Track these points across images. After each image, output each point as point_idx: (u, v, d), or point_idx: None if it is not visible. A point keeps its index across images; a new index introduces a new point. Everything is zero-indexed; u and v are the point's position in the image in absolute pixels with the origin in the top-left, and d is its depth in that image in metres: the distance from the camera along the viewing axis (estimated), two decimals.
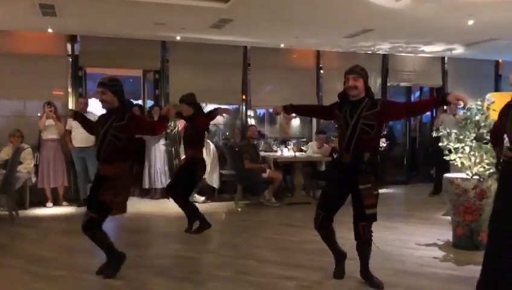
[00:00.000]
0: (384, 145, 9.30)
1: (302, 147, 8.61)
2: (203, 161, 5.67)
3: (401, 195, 9.24)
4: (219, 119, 10.37)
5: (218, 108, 5.79)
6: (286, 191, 8.19)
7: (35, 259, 4.58)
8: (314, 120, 9.85)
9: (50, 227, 6.24)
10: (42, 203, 7.29)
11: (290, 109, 4.27)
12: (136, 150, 8.19)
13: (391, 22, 7.12)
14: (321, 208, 3.81)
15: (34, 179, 7.22)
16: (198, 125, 5.53)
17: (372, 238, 3.78)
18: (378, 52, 9.80)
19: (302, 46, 9.28)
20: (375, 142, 3.76)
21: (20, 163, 6.81)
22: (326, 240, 3.93)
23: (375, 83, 10.07)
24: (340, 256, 4.01)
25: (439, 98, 3.62)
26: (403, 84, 10.49)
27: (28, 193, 7.14)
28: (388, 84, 10.21)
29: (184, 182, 5.55)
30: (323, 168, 8.21)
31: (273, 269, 4.26)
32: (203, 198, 7.82)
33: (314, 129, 9.68)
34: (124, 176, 3.89)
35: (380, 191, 9.65)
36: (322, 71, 9.75)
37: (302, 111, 4.83)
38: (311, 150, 8.45)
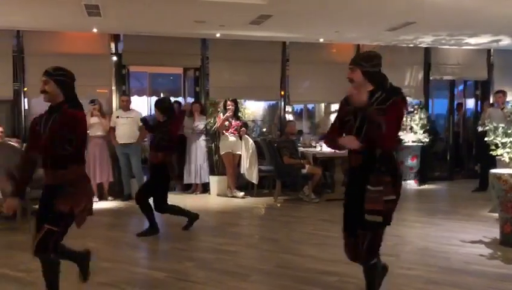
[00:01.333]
0: (427, 140, 9.10)
1: None
2: (172, 164, 5.61)
3: (445, 191, 9.02)
4: (257, 115, 10.47)
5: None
6: (325, 187, 8.14)
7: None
8: None
9: (96, 220, 6.42)
10: None
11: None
12: (178, 145, 8.35)
13: (434, 14, 6.93)
14: (346, 229, 3.15)
15: None
16: (171, 132, 5.49)
17: (378, 261, 3.17)
18: (420, 45, 9.57)
19: (342, 40, 9.18)
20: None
21: None
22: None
23: (416, 77, 9.86)
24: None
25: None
26: (446, 77, 10.19)
27: None
28: (431, 78, 9.96)
29: (156, 188, 5.45)
30: None
31: (314, 264, 4.26)
32: (242, 193, 7.90)
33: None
34: (81, 180, 3.20)
35: (423, 187, 9.44)
36: None
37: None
38: None
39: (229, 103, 7.90)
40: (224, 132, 7.88)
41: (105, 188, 7.67)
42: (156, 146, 5.46)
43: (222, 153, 7.95)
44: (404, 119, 9.21)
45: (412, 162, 9.09)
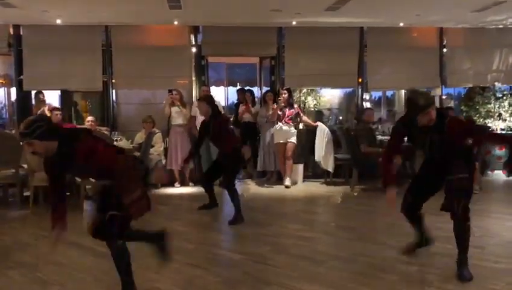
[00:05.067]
0: None
1: None
2: (238, 149, 5.68)
3: None
4: (333, 103, 10.36)
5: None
6: (405, 177, 7.88)
7: (171, 233, 5.02)
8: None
9: (180, 204, 6.81)
10: (171, 183, 7.93)
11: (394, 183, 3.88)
12: (249, 133, 8.47)
13: None
14: (409, 192, 3.85)
15: (163, 161, 7.88)
16: (222, 123, 5.62)
17: (469, 222, 3.56)
18: (511, 26, 8.92)
19: (424, 23, 8.78)
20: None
21: (152, 146, 7.48)
22: (413, 225, 3.94)
23: (506, 60, 9.22)
24: (420, 240, 3.95)
25: None
26: None
27: None
28: None
29: (230, 170, 5.58)
30: None
31: (392, 253, 4.18)
32: (289, 183, 7.76)
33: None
34: (122, 172, 3.13)
35: None
36: (445, 50, 9.16)
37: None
38: None
39: (281, 91, 7.87)
40: (277, 121, 7.82)
41: (186, 174, 8.00)
42: (218, 140, 5.66)
43: (275, 142, 7.93)
44: (492, 105, 8.71)
45: (500, 151, 8.54)
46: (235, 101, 9.78)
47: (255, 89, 9.97)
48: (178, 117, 7.85)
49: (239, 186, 7.88)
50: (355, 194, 7.30)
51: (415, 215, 3.88)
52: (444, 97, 9.44)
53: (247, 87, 9.40)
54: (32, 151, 3.05)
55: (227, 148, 5.57)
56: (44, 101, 8.13)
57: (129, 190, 3.09)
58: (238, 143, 5.82)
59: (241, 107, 8.41)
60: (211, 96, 6.12)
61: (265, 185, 7.93)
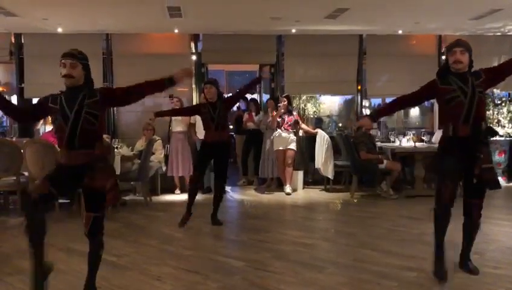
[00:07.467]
0: None
1: (422, 137, 8.24)
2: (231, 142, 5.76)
3: None
4: (333, 110, 10.37)
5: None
6: (405, 183, 7.91)
7: (168, 239, 5.06)
8: (436, 108, 9.37)
9: (179, 211, 6.72)
10: (171, 190, 7.94)
11: (376, 116, 4.18)
12: (254, 140, 8.51)
13: None
14: (448, 180, 3.53)
15: (164, 168, 7.90)
16: (224, 109, 5.64)
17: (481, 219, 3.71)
18: (509, 33, 8.97)
19: (422, 31, 8.84)
20: (485, 111, 3.89)
21: (153, 153, 7.50)
22: (444, 224, 3.57)
23: None
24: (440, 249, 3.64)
25: None
26: None
27: (159, 180, 7.84)
28: None
29: (225, 162, 5.75)
30: None
31: (392, 260, 4.20)
32: (289, 190, 7.72)
33: (436, 118, 9.22)
34: (106, 157, 3.43)
35: None
36: (444, 57, 9.19)
37: (391, 110, 4.48)
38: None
39: (281, 98, 7.91)
40: (277, 128, 7.82)
41: (187, 181, 8.00)
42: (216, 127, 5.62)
43: (274, 149, 7.93)
44: (491, 112, 8.73)
45: (499, 157, 8.57)
46: (236, 110, 9.84)
47: (255, 96, 10.01)
48: (178, 124, 7.88)
49: (237, 192, 7.96)
50: (355, 200, 7.32)
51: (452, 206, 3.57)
52: None
53: (250, 96, 9.46)
54: (68, 73, 3.19)
55: (225, 135, 5.64)
56: None
57: (109, 174, 3.29)
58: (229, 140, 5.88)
59: (245, 116, 8.52)
60: (216, 80, 6.03)
61: (266, 192, 7.94)
